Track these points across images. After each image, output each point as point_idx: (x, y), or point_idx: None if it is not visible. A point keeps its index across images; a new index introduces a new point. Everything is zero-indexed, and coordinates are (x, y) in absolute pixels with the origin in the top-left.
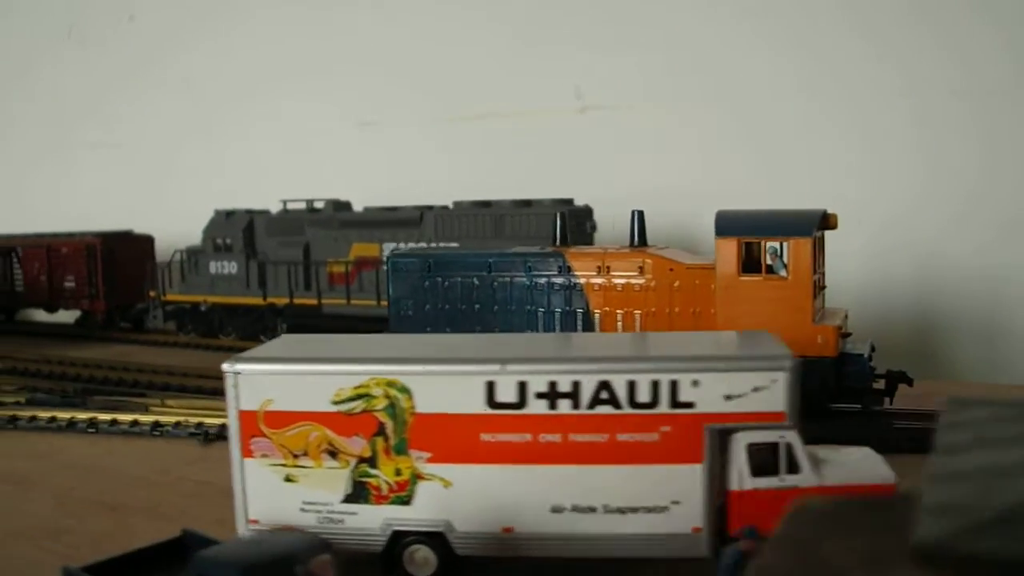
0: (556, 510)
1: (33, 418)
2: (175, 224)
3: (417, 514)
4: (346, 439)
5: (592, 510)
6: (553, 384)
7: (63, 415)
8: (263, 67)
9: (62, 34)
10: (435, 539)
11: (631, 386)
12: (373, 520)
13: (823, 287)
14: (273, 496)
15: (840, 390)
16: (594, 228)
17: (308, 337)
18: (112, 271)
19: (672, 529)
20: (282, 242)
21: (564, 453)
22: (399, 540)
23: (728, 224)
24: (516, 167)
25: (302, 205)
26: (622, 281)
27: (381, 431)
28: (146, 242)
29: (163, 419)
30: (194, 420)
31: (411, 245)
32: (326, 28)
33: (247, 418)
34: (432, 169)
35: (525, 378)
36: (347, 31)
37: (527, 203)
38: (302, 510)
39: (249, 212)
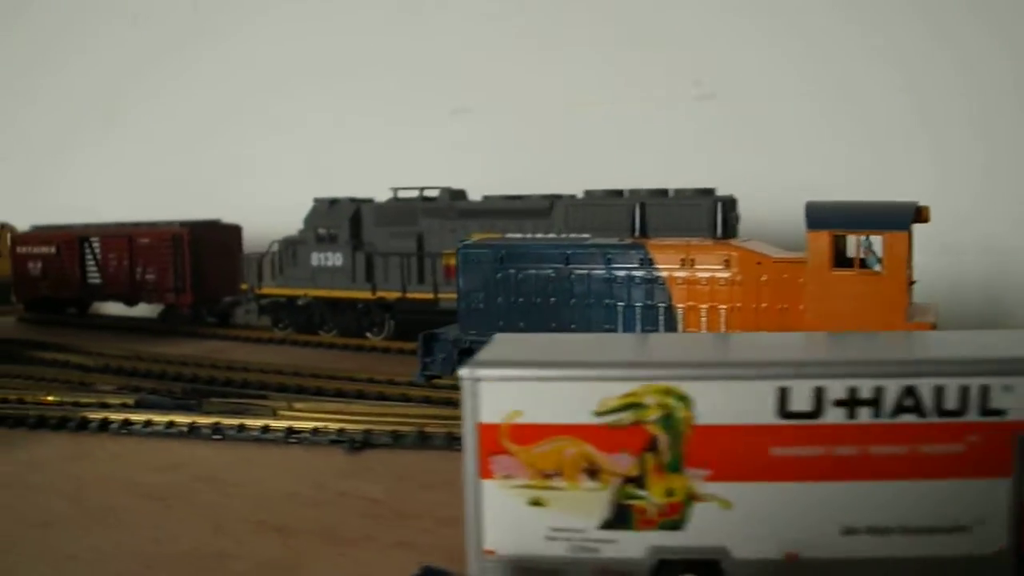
0: (848, 532)
1: (149, 423)
2: (255, 215)
3: (689, 540)
4: (610, 456)
5: (887, 531)
6: (853, 390)
7: (181, 420)
8: (345, 53)
9: (127, 19)
10: (708, 568)
11: (938, 392)
12: (636, 548)
13: (912, 282)
14: (514, 523)
15: None
16: (738, 219)
17: (532, 337)
18: (199, 263)
19: (974, 550)
20: (393, 232)
21: (860, 467)
22: (666, 570)
23: (820, 216)
24: (624, 157)
25: (413, 193)
26: (707, 275)
27: (652, 446)
28: (234, 232)
29: (297, 424)
30: (333, 426)
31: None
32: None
33: (487, 433)
34: (535, 158)
35: (823, 383)
36: (445, 14)
37: (664, 192)
38: (549, 538)
39: (354, 200)
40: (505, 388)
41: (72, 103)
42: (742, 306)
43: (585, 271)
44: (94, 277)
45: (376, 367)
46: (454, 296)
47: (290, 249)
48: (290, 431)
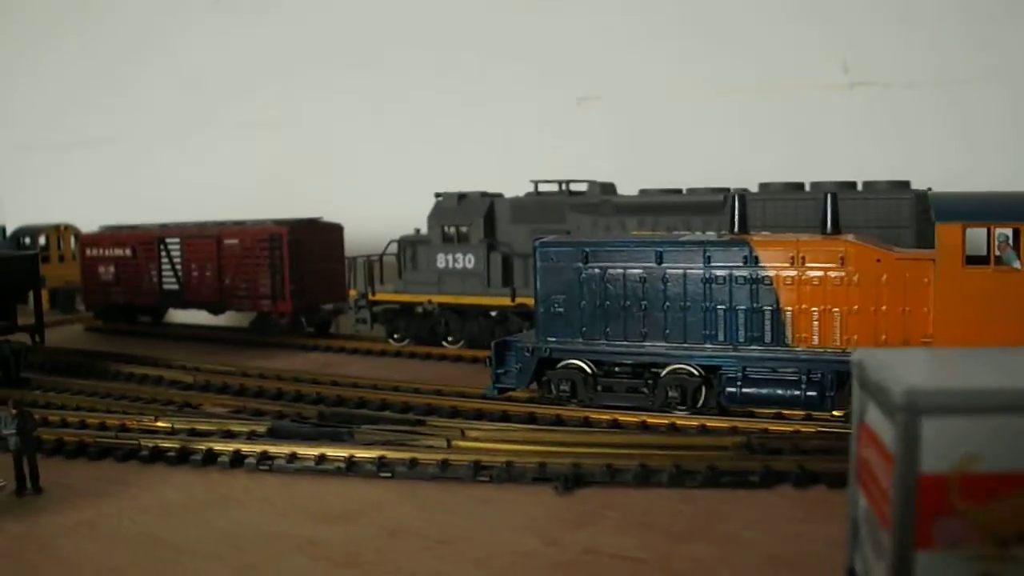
0: None
1: (294, 457)
2: (353, 214)
3: None
4: None
5: None
6: None
7: (334, 453)
8: (458, 37)
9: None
10: None
11: None
12: None
13: None
14: None
15: None
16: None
17: (944, 353)
18: (299, 266)
19: None
20: (535, 230)
21: None
22: None
23: (949, 208)
24: (771, 146)
25: (552, 187)
26: (819, 274)
27: None
28: (335, 232)
29: (485, 459)
30: (528, 459)
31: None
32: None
33: (931, 487)
34: (664, 149)
35: None
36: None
37: (851, 185)
38: None
39: (486, 195)
40: (961, 425)
41: (144, 99)
42: (859, 309)
43: (680, 270)
44: (171, 283)
45: None
46: None
47: (410, 250)
48: (478, 466)
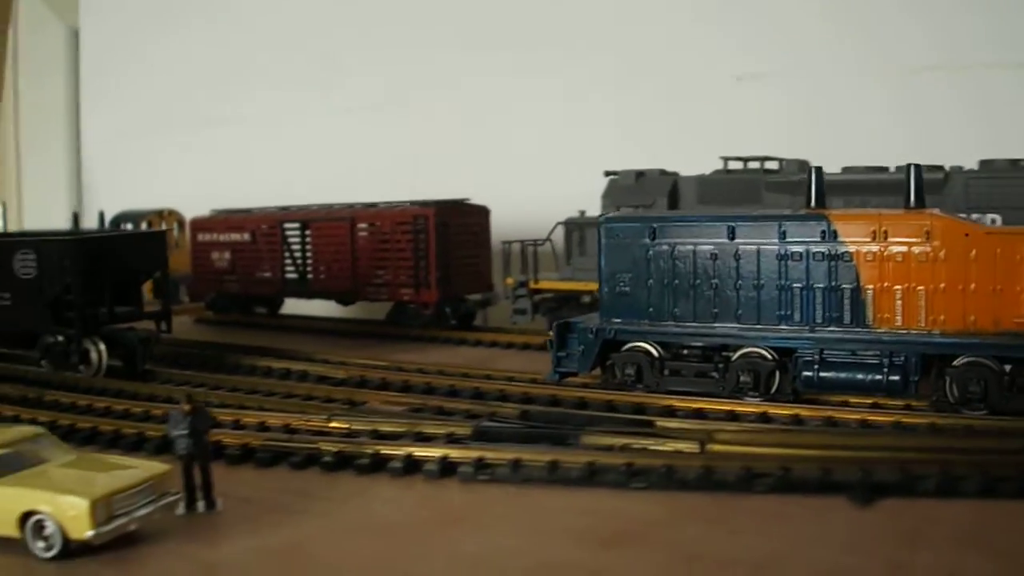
0: None
1: (518, 464)
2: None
3: None
4: None
5: None
6: None
7: (570, 460)
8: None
9: None
10: None
11: None
12: None
13: None
14: None
15: None
16: None
17: None
18: (445, 251)
19: None
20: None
21: None
22: None
23: None
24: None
25: (738, 165)
26: (902, 249)
27: None
28: (482, 215)
29: (757, 465)
30: (805, 467)
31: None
32: None
33: None
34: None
35: None
36: None
37: None
38: None
39: (665, 173)
40: None
41: (253, 82)
42: (946, 287)
43: (754, 246)
44: (293, 270)
45: None
46: None
47: (578, 233)
48: (748, 473)
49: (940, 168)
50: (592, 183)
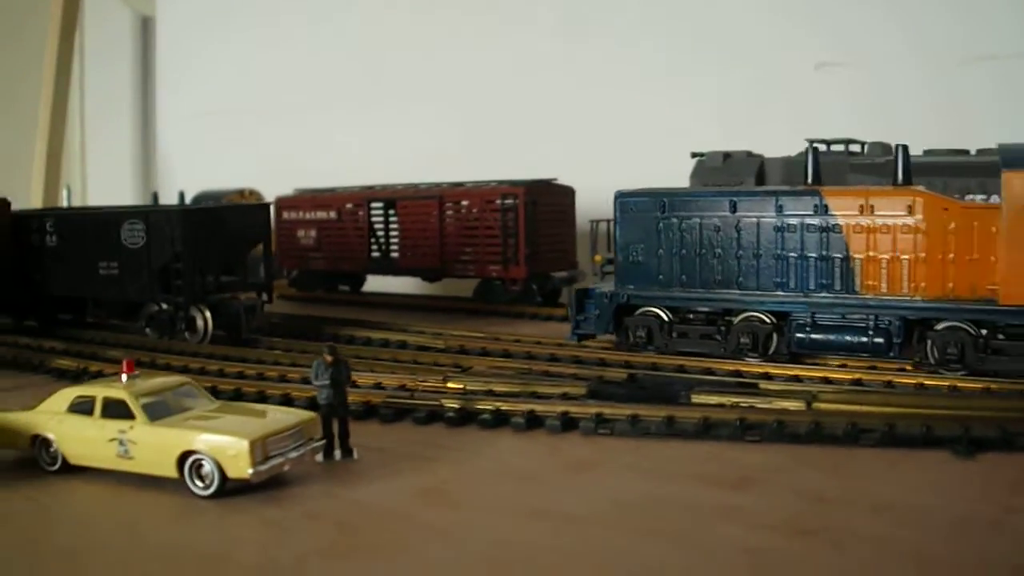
0: None
1: (636, 419)
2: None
3: None
4: None
5: None
6: None
7: (685, 415)
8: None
9: None
10: None
11: None
12: None
13: None
14: None
15: None
16: None
17: None
18: (534, 229)
19: None
20: None
21: None
22: None
23: (1017, 156)
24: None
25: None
26: (888, 222)
27: None
28: (568, 195)
29: (863, 422)
30: (910, 423)
31: None
32: None
33: None
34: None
35: None
36: None
37: None
38: None
39: (752, 155)
40: None
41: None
42: (927, 256)
43: (754, 219)
44: (375, 248)
45: None
46: None
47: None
48: (856, 427)
49: (966, 152)
50: (680, 164)
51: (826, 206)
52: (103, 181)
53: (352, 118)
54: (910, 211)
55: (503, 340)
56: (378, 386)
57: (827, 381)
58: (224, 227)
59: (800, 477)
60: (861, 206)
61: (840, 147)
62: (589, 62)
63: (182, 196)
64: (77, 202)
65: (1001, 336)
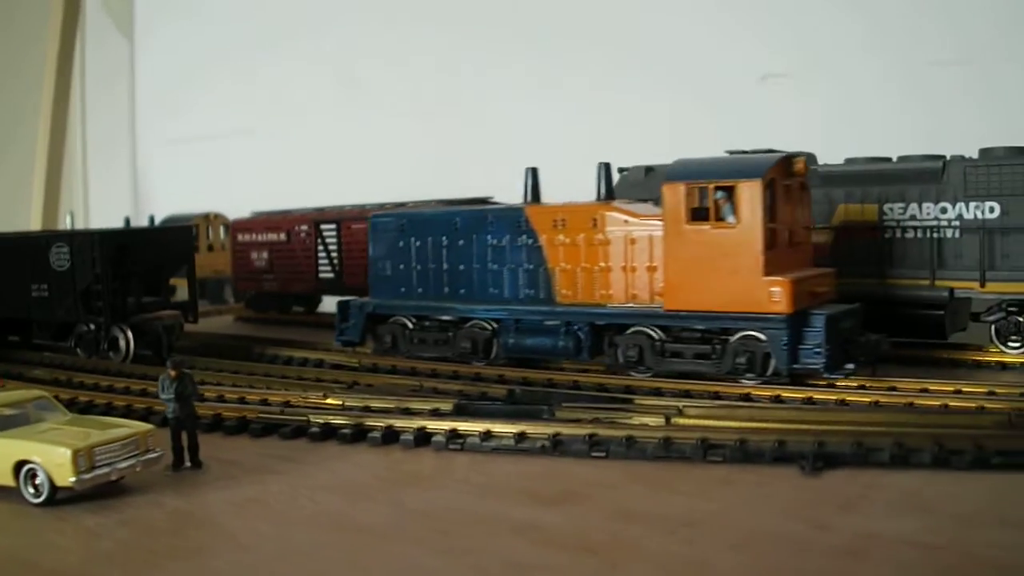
0: None
1: (489, 435)
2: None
3: None
4: None
5: None
6: None
7: (535, 431)
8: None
9: None
10: None
11: None
12: None
13: (800, 241)
14: None
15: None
16: None
17: None
18: None
19: None
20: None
21: None
22: None
23: (677, 170)
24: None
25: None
26: (577, 236)
27: None
28: None
29: (714, 437)
30: (762, 439)
31: (929, 207)
32: None
33: None
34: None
35: None
36: None
37: None
38: None
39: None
40: None
41: (285, 88)
42: (612, 267)
43: (472, 236)
44: (326, 269)
45: None
46: None
47: None
48: (705, 443)
49: (940, 157)
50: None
51: (528, 221)
52: (104, 205)
53: (327, 139)
54: (595, 225)
55: (421, 358)
56: (264, 402)
57: (716, 396)
58: (145, 249)
59: (624, 494)
60: (555, 221)
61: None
62: (517, 74)
63: (152, 221)
64: (80, 226)
65: (670, 340)
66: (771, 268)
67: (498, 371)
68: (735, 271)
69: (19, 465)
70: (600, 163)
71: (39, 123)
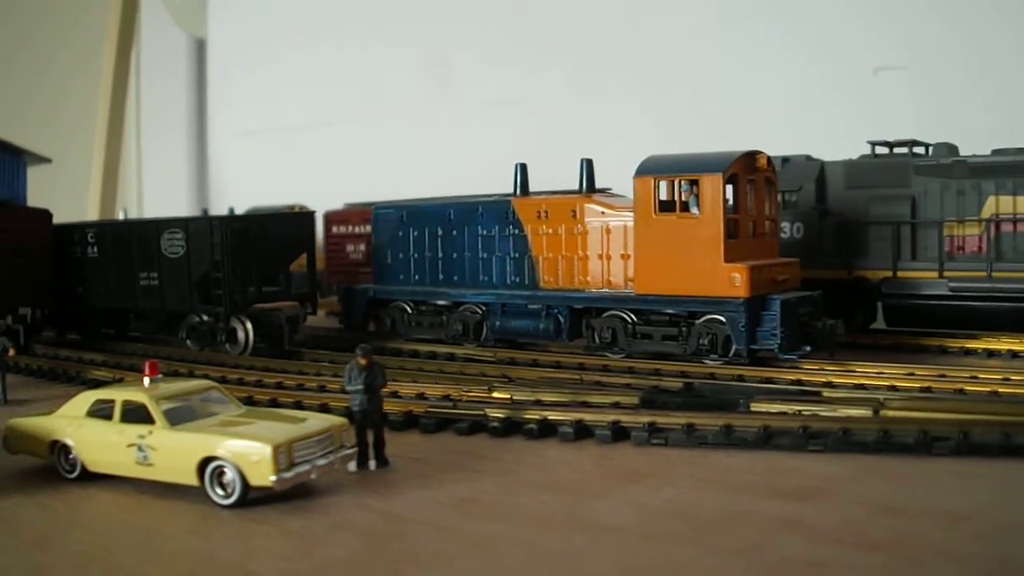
0: None
1: (691, 428)
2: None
3: None
4: None
5: None
6: None
7: (744, 423)
8: None
9: None
10: None
11: None
12: None
13: (764, 232)
14: None
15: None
16: None
17: None
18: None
19: None
20: (874, 196)
21: None
22: None
23: (646, 164)
24: None
25: (884, 149)
26: (558, 226)
27: None
28: None
29: (934, 429)
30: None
31: None
32: None
33: None
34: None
35: None
36: None
37: None
38: None
39: (811, 159)
40: None
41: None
42: (589, 255)
43: (464, 226)
44: None
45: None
46: (971, 274)
47: None
48: (925, 435)
49: None
50: None
51: (515, 212)
52: (158, 198)
53: (405, 132)
54: (574, 216)
55: (552, 352)
56: (421, 396)
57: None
58: (266, 236)
59: (868, 488)
60: (539, 212)
61: (904, 149)
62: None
63: (231, 212)
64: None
65: (641, 322)
66: (732, 256)
67: (654, 366)
68: (699, 258)
69: (204, 462)
70: (582, 159)
71: (97, 117)
